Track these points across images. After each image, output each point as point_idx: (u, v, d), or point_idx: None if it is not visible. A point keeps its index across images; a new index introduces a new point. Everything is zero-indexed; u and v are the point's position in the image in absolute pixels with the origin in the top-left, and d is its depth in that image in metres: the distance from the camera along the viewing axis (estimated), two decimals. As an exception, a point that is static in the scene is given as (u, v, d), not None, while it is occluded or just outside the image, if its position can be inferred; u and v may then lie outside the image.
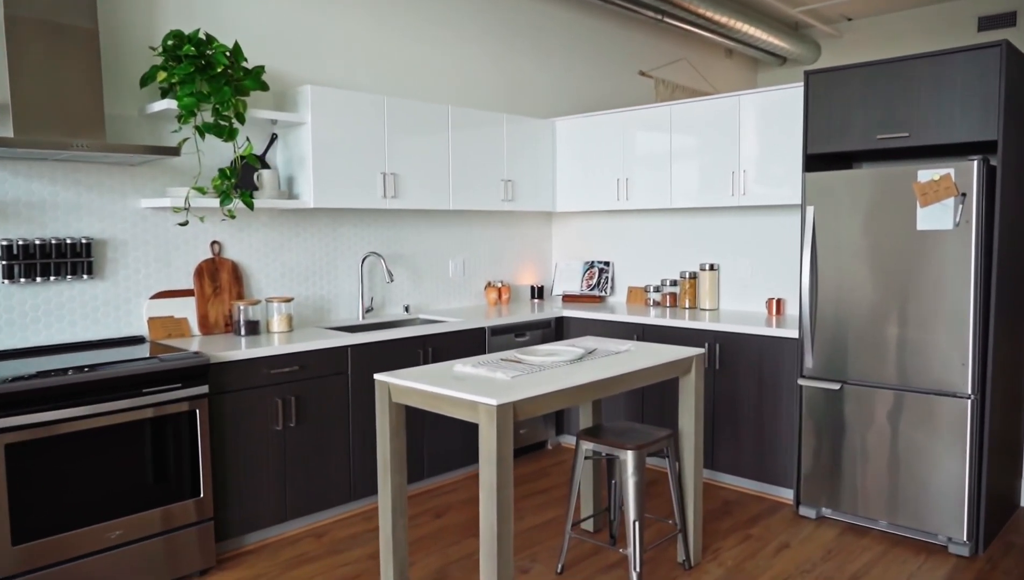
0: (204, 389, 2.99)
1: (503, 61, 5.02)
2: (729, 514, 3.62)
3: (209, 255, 3.65)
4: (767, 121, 3.97)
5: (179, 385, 2.90)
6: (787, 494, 3.81)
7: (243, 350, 3.16)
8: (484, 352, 4.18)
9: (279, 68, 3.87)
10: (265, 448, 3.27)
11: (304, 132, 3.68)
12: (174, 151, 3.02)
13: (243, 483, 3.20)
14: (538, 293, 5.19)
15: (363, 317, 4.21)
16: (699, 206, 4.29)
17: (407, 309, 4.47)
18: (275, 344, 3.34)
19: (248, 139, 3.41)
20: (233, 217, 3.38)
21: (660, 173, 4.45)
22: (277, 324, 3.67)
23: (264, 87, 3.43)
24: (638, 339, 4.25)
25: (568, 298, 5.08)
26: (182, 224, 3.24)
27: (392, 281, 4.14)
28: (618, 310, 4.51)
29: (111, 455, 2.73)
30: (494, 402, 2.21)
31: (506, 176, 4.63)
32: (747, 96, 4.05)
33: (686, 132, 4.31)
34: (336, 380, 3.51)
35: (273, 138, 3.82)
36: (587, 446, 2.96)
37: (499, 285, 5.01)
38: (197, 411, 2.96)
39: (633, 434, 2.94)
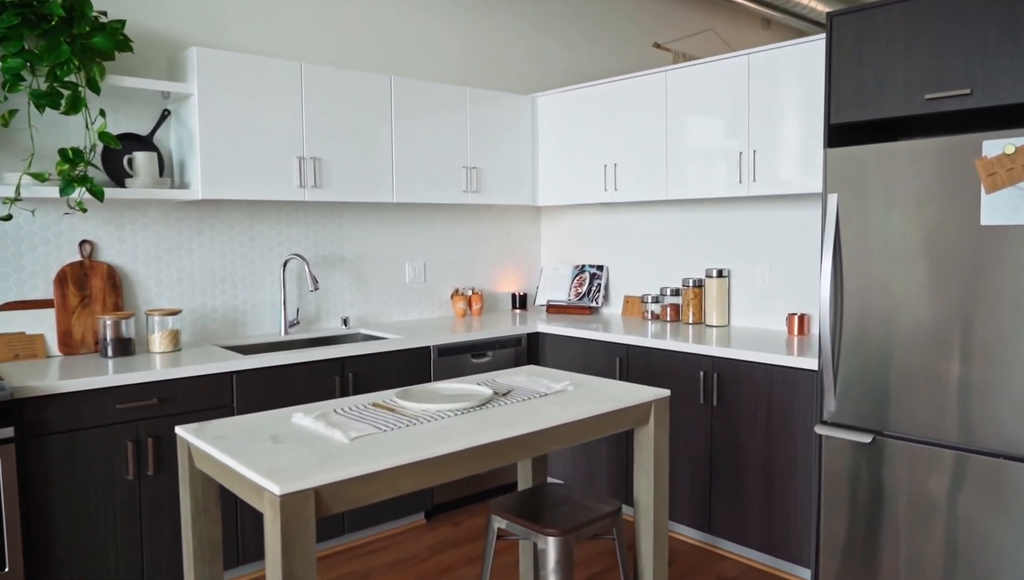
0: (8, 432, 2.30)
1: (470, 25, 4.22)
2: (722, 601, 2.75)
3: (77, 258, 2.98)
4: (785, 86, 3.06)
5: (-34, 428, 2.22)
6: (804, 574, 2.90)
7: (78, 380, 2.47)
8: (428, 377, 3.40)
9: (168, 28, 3.17)
10: (111, 503, 2.57)
11: (192, 105, 2.98)
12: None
13: (76, 549, 2.51)
14: (520, 302, 4.38)
15: (286, 332, 3.49)
16: (699, 197, 3.40)
17: (346, 322, 3.72)
18: (156, 367, 2.65)
19: (103, 113, 2.72)
20: (84, 210, 2.70)
21: (654, 157, 3.58)
22: (158, 342, 2.98)
23: (124, 47, 2.74)
24: (621, 363, 3.40)
25: (553, 308, 4.25)
26: (4, 218, 2.57)
27: (316, 289, 3.40)
28: (610, 324, 3.66)
29: None
30: (277, 490, 1.42)
31: (469, 163, 3.84)
32: (759, 54, 3.15)
33: (685, 104, 3.43)
34: (214, 416, 2.79)
35: (164, 115, 3.13)
36: (499, 523, 2.15)
37: (469, 293, 4.23)
38: (-4, 461, 2.28)
39: (566, 507, 2.11)
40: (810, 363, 2.75)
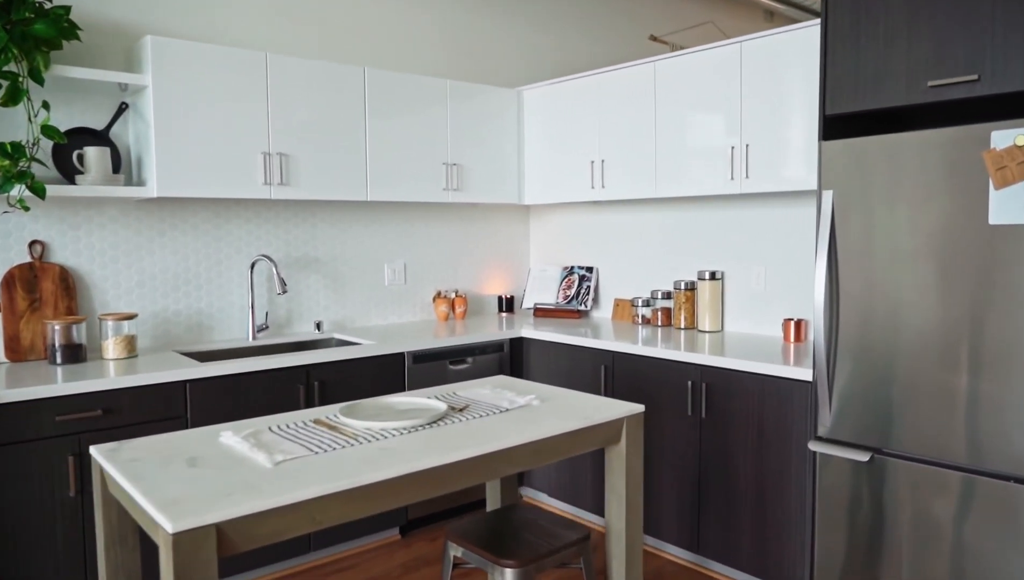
0: (-69, 447, 2.14)
1: (453, 15, 4.04)
2: (708, 630, 2.55)
3: (26, 259, 2.82)
4: (780, 75, 2.86)
5: None
6: (799, 600, 2.70)
7: (16, 390, 2.30)
8: (403, 385, 3.22)
9: (126, 17, 3.01)
10: (51, 523, 2.40)
11: (148, 98, 2.81)
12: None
13: (13, 574, 2.34)
14: (507, 305, 4.19)
15: (254, 337, 3.31)
16: (688, 196, 3.20)
17: (319, 326, 3.55)
18: (110, 375, 2.49)
19: (46, 105, 2.56)
20: (26, 209, 2.53)
21: (643, 153, 3.38)
22: (112, 349, 2.81)
23: (70, 34, 2.57)
24: (606, 371, 3.20)
25: (541, 312, 4.06)
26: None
27: (285, 292, 3.23)
28: (599, 329, 3.47)
29: None
30: (169, 527, 1.24)
31: (450, 159, 3.65)
32: (752, 41, 2.95)
33: (675, 96, 3.23)
34: (166, 428, 2.62)
35: (122, 108, 2.96)
36: (455, 551, 1.96)
37: (452, 296, 4.04)
38: (-83, 479, 2.11)
39: (530, 533, 1.93)
40: (804, 373, 2.54)
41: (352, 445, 1.67)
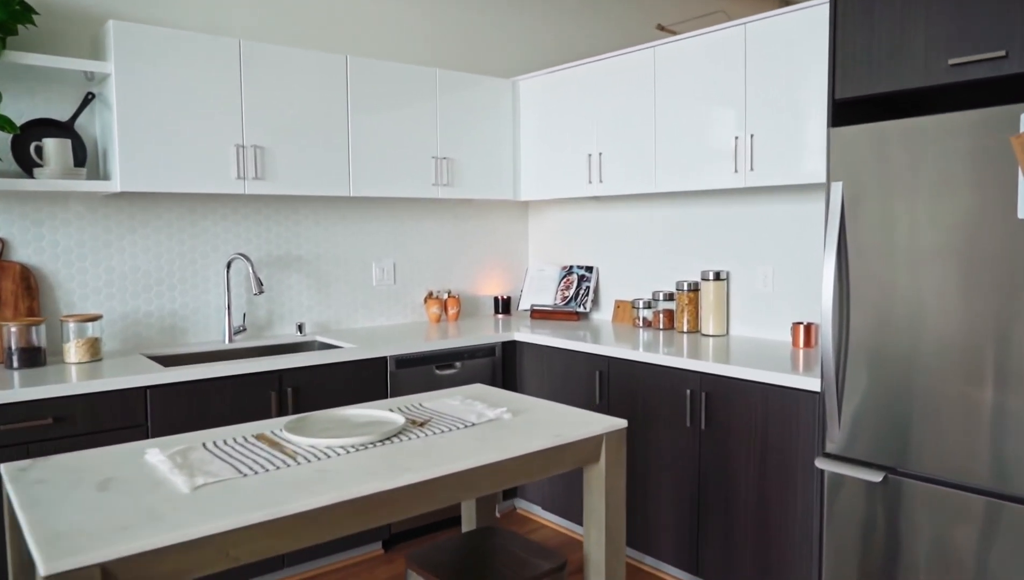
0: None
1: (443, 1, 3.85)
2: (705, 663, 2.34)
3: (-16, 257, 2.68)
4: (788, 59, 2.64)
5: None
6: (806, 629, 2.48)
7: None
8: (385, 392, 3.04)
9: (92, 2, 2.85)
10: (-4, 538, 2.24)
11: (111, 86, 2.65)
12: None
13: (-46, 591, 2.19)
14: (503, 307, 3.99)
15: (230, 340, 3.15)
16: (689, 190, 2.99)
17: (301, 329, 3.37)
18: (71, 379, 2.34)
19: (-2, 93, 2.41)
20: (-25, 203, 2.38)
21: (642, 145, 3.17)
22: (74, 352, 2.66)
23: (23, 18, 2.42)
24: (601, 378, 3.00)
25: (538, 313, 3.86)
26: None
27: (261, 292, 3.05)
28: (599, 332, 3.26)
29: None
30: (43, 568, 1.06)
31: (439, 152, 3.46)
32: (757, 23, 2.73)
33: (675, 83, 3.01)
34: (125, 438, 2.45)
35: (88, 99, 2.81)
36: (416, 581, 1.77)
37: (444, 296, 3.86)
38: None
39: (500, 562, 1.73)
40: (811, 383, 2.32)
41: (290, 466, 1.49)
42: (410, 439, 1.65)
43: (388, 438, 1.65)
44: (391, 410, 1.87)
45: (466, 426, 1.75)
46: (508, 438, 1.66)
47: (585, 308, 3.75)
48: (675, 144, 3.02)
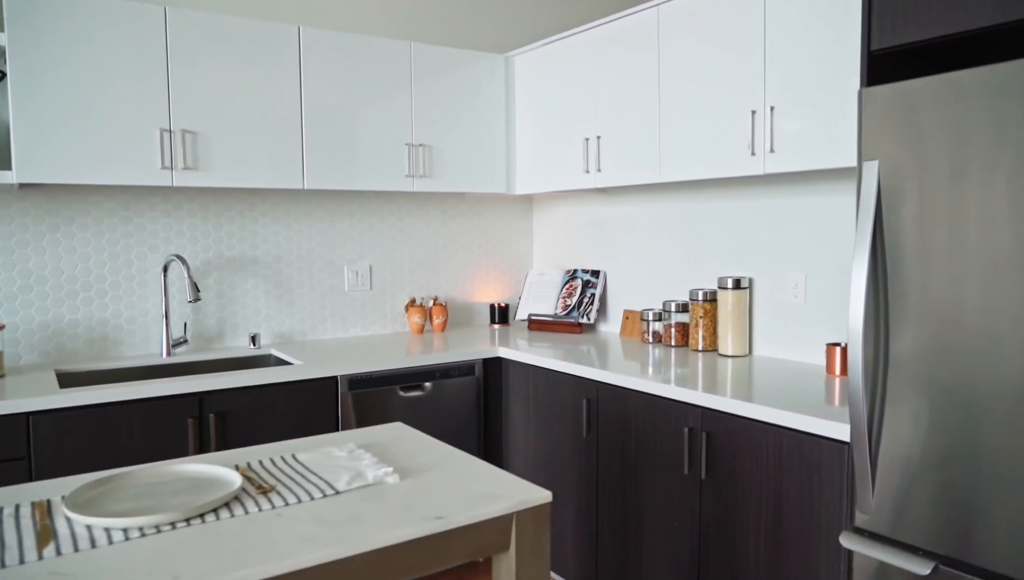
0: None
1: (442, -28, 3.38)
2: None
3: None
4: (815, 16, 2.06)
5: None
6: None
7: None
8: (336, 420, 2.59)
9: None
10: None
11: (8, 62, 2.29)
12: None
13: None
14: (500, 316, 3.51)
15: (168, 354, 2.76)
16: (697, 178, 2.43)
17: (255, 340, 2.96)
18: None
19: None
20: None
21: (644, 126, 2.63)
22: (-32, 369, 2.31)
23: None
24: (588, 406, 2.48)
25: (536, 324, 3.36)
26: None
27: (197, 299, 2.65)
28: (602, 349, 2.74)
29: None
30: None
31: (414, 139, 3.00)
32: (779, -34, 2.16)
33: (682, 48, 2.47)
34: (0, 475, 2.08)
35: (-2, 78, 2.46)
36: None
37: (429, 304, 3.39)
38: None
39: None
40: (839, 430, 1.76)
41: (39, 558, 1.04)
42: (231, 516, 1.18)
43: (199, 515, 1.18)
44: (243, 464, 1.41)
45: (325, 496, 1.27)
46: (367, 521, 1.17)
47: (589, 319, 3.23)
48: (683, 123, 2.47)
